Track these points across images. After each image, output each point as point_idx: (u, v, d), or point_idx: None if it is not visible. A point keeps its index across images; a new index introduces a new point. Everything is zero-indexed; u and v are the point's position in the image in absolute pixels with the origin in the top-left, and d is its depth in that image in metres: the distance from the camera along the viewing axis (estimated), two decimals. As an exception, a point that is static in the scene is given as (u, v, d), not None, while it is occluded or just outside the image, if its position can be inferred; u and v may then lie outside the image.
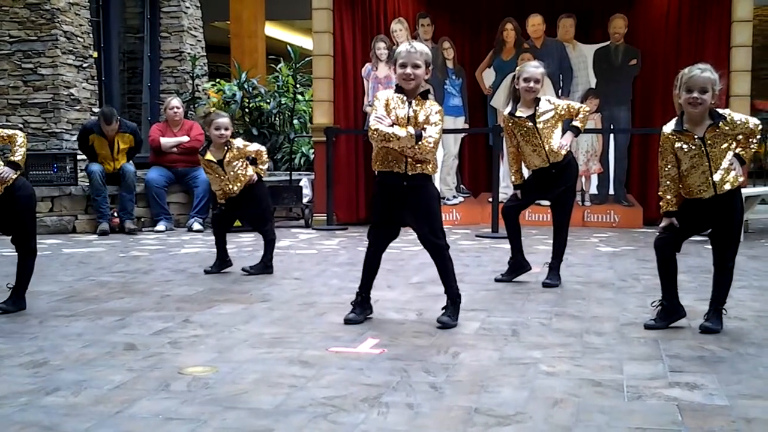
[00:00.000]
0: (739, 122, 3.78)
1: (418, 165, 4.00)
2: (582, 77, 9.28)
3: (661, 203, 3.95)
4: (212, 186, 5.85)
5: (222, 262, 5.85)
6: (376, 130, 3.93)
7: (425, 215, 4.04)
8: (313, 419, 2.65)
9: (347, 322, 4.10)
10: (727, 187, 3.80)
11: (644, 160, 9.08)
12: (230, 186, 5.69)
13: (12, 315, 4.34)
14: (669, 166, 3.88)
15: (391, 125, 3.95)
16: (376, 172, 4.16)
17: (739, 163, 3.85)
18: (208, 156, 5.70)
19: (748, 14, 8.25)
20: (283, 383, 3.06)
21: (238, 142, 5.75)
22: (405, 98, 4.00)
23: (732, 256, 3.90)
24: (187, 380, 3.10)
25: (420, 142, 3.92)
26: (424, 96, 4.04)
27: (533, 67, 5.11)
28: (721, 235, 3.90)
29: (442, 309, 4.12)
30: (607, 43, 9.19)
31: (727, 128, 3.76)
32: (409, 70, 3.95)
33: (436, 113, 4.00)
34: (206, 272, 5.78)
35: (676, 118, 3.87)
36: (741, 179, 3.85)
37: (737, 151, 3.84)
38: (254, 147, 5.80)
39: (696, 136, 3.78)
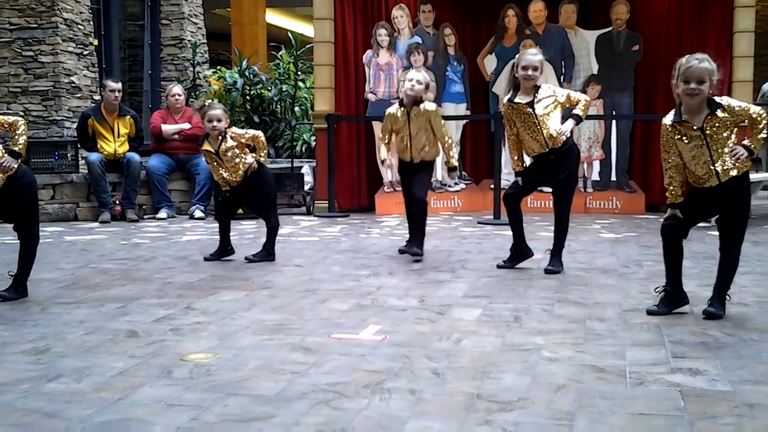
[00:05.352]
0: (738, 108, 3.73)
1: (424, 152, 5.72)
2: (584, 63, 9.23)
3: (666, 194, 3.93)
4: (214, 176, 5.84)
5: (223, 250, 5.83)
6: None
7: (422, 178, 5.75)
8: (315, 405, 2.65)
9: (416, 260, 5.58)
10: (734, 173, 3.77)
11: (646, 147, 9.05)
12: (230, 176, 5.67)
13: (14, 302, 4.34)
14: (672, 158, 3.86)
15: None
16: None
17: (746, 153, 3.74)
18: (206, 146, 5.68)
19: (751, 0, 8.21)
20: (285, 370, 3.06)
21: (233, 130, 5.70)
22: (404, 110, 5.65)
23: (738, 243, 3.89)
24: (189, 367, 3.10)
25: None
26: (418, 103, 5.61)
27: (531, 55, 5.09)
28: (727, 221, 3.88)
29: (408, 244, 5.78)
30: (609, 29, 9.14)
31: (725, 115, 3.72)
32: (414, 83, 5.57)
33: (435, 116, 5.64)
34: (206, 259, 5.76)
35: (675, 109, 3.84)
36: (747, 162, 3.79)
37: (744, 142, 3.76)
38: (250, 133, 5.74)
39: (695, 127, 3.76)
